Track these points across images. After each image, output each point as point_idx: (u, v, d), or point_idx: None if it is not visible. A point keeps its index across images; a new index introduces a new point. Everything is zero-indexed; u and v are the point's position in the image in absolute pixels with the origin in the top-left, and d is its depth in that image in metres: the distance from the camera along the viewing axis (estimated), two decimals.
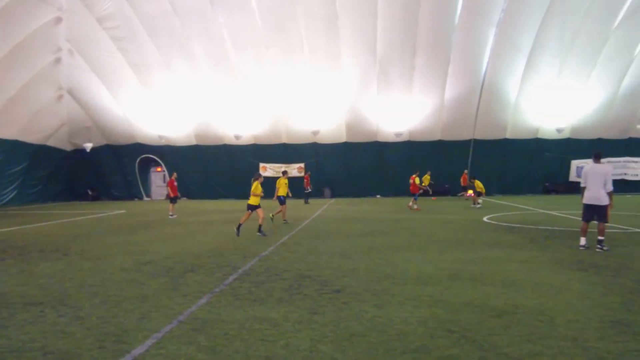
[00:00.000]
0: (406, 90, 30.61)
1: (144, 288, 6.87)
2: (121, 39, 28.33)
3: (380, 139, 33.35)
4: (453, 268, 7.87)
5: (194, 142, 34.27)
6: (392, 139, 33.02)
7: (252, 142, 33.99)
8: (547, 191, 33.93)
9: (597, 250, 9.52)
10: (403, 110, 31.60)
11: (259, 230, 12.96)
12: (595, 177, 9.52)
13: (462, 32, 27.92)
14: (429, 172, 29.48)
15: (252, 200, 13.13)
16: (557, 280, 6.92)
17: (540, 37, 27.91)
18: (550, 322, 4.97)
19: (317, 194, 33.97)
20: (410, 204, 22.21)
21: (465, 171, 30.45)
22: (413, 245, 10.68)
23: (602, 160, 29.97)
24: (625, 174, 33.42)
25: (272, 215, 16.57)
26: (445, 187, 33.95)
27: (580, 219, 10.01)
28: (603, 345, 4.26)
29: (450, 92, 30.53)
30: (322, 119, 32.32)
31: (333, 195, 34.07)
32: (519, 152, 32.91)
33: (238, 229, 12.93)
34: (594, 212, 9.63)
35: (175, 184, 20.48)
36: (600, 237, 9.59)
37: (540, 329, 4.74)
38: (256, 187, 13.17)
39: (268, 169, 34.25)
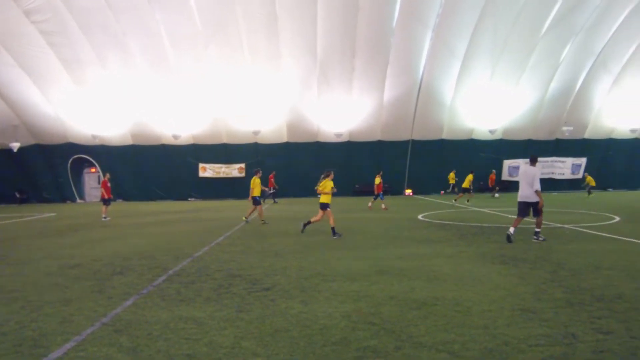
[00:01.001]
0: (346, 92, 31.07)
1: (67, 292, 6.65)
2: (51, 33, 27.10)
3: (321, 139, 33.66)
4: (382, 264, 8.10)
5: (130, 141, 33.25)
6: (332, 139, 33.39)
7: (191, 142, 33.40)
8: (481, 190, 35.33)
9: (534, 241, 10.43)
10: (343, 111, 32.05)
11: (334, 232, 11.85)
12: (525, 178, 10.62)
13: (400, 35, 28.66)
14: (453, 171, 30.21)
15: (324, 199, 12.19)
16: (478, 273, 7.27)
17: (474, 42, 29.08)
18: (466, 312, 5.23)
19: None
20: (383, 206, 21.84)
21: (494, 171, 31.11)
22: (347, 243, 10.88)
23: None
24: (553, 173, 35.40)
25: (246, 217, 16.43)
26: (385, 186, 34.61)
27: (517, 214, 10.82)
28: (510, 331, 4.54)
29: (389, 93, 31.24)
30: (263, 119, 32.24)
31: (274, 196, 33.99)
32: (454, 152, 34.08)
33: (305, 226, 12.58)
34: (529, 208, 10.59)
35: (109, 185, 19.82)
36: (537, 229, 10.55)
37: (456, 318, 4.99)
38: (325, 184, 12.16)
39: (208, 170, 33.81)
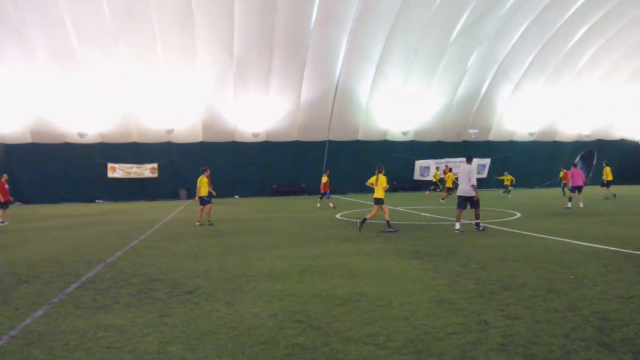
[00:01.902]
0: (263, 91, 31.01)
1: None
2: None
3: (238, 139, 33.33)
4: (304, 263, 8.20)
5: (29, 139, 30.91)
6: (249, 139, 33.18)
7: (98, 140, 31.67)
8: (395, 189, 36.68)
9: (475, 230, 11.73)
10: (260, 111, 31.98)
11: (389, 226, 12.26)
12: (464, 175, 12.05)
13: (317, 37, 29.09)
14: (436, 170, 30.01)
15: (379, 194, 12.57)
16: (396, 268, 7.59)
17: (388, 47, 30.17)
18: (387, 305, 5.45)
19: (172, 195, 32.86)
20: (319, 205, 21.92)
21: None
22: (268, 243, 10.88)
23: (441, 160, 33.02)
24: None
25: (206, 220, 15.56)
26: (302, 186, 35.02)
27: (456, 207, 12.19)
28: (429, 321, 4.80)
29: (306, 94, 31.59)
30: (176, 118, 31.35)
31: (189, 197, 33.12)
32: (369, 152, 35.15)
33: (362, 223, 12.73)
34: (467, 202, 11.98)
35: (6, 187, 18.32)
36: (477, 220, 11.91)
37: (378, 312, 5.18)
38: (382, 180, 12.54)
39: (117, 170, 32.23)
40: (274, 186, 34.42)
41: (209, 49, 28.39)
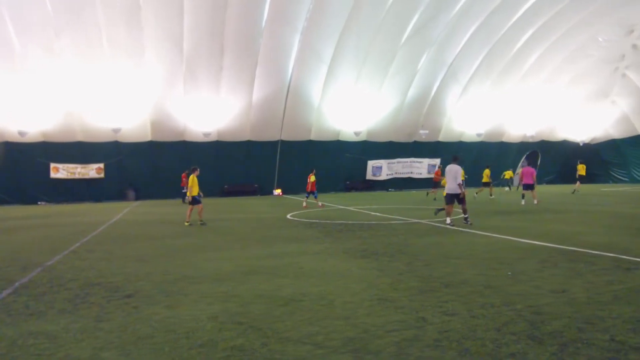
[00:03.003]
0: (214, 90, 30.53)
1: None
2: None
3: (188, 138, 32.69)
4: (251, 264, 8.14)
5: None
6: (200, 138, 32.59)
7: (40, 139, 30.21)
8: (348, 189, 37.02)
9: (464, 223, 12.89)
10: (211, 110, 31.45)
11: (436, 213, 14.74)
12: (451, 174, 13.19)
13: (269, 36, 28.84)
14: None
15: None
16: (342, 267, 7.65)
17: (340, 48, 30.29)
18: (329, 305, 5.48)
19: (120, 196, 31.93)
20: (305, 204, 21.81)
21: (440, 166, 30.80)
22: (215, 244, 10.74)
23: (392, 160, 34.06)
24: (412, 172, 38.30)
25: (188, 221, 15.18)
26: (255, 186, 34.78)
27: (445, 203, 13.56)
28: (370, 320, 4.86)
29: (258, 94, 31.30)
30: (124, 116, 30.34)
31: (137, 197, 32.30)
32: (322, 153, 35.23)
33: (438, 211, 14.88)
34: (455, 198, 13.12)
35: None
36: (465, 215, 13.13)
37: (320, 312, 5.20)
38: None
39: (61, 170, 30.94)
40: (225, 186, 33.98)
41: (157, 46, 27.68)
